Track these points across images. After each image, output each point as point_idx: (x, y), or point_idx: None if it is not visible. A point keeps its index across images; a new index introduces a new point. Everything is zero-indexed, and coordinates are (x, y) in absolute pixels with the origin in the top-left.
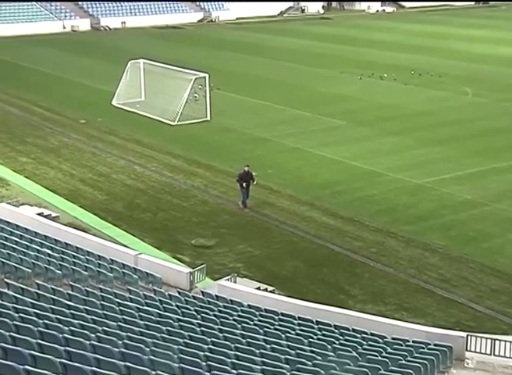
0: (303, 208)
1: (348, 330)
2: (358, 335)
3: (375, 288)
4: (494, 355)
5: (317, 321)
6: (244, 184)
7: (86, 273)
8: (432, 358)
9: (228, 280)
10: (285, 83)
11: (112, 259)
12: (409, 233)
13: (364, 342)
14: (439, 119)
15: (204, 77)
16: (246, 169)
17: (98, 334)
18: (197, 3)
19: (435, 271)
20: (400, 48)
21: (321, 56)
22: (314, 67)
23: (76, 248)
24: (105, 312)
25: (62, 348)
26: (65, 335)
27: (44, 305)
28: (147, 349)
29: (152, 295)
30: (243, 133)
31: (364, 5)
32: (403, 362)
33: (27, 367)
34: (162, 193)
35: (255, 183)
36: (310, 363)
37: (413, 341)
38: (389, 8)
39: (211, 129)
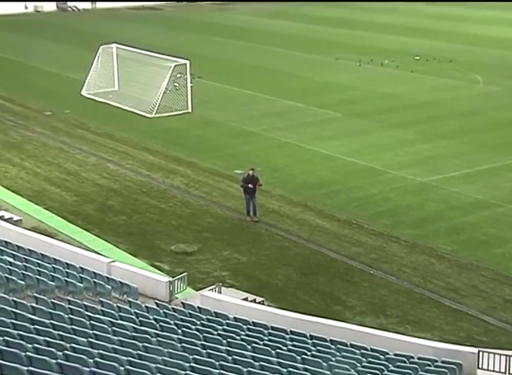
0: (295, 209)
1: (346, 345)
2: (357, 351)
3: (375, 299)
4: (509, 373)
5: (311, 335)
6: (250, 185)
7: (52, 283)
8: None
9: (212, 290)
10: (275, 70)
11: (82, 268)
12: (413, 237)
13: (364, 359)
14: (446, 110)
15: (185, 64)
16: (250, 173)
17: (66, 352)
18: None
19: (442, 279)
20: (404, 31)
21: (315, 41)
22: (307, 53)
23: (42, 255)
24: (74, 326)
25: (25, 368)
26: (29, 353)
27: (5, 319)
28: (122, 368)
29: (127, 308)
30: (229, 127)
31: None
32: None
33: None
34: (138, 193)
35: (261, 186)
36: None
37: (418, 358)
38: None
39: (193, 122)
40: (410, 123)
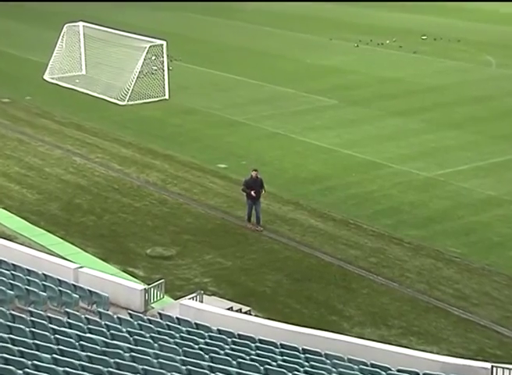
0: (285, 208)
1: (343, 360)
2: (355, 366)
3: (375, 307)
4: None
5: (303, 349)
6: (253, 192)
7: (11, 292)
8: None
9: (192, 298)
10: (262, 52)
11: (45, 275)
12: (417, 238)
13: None
14: (454, 95)
15: (161, 45)
16: (253, 174)
17: (27, 370)
18: None
19: (450, 286)
20: (406, 7)
21: (307, 18)
22: (298, 32)
23: None
24: (37, 341)
25: None
26: None
27: None
28: None
29: (97, 319)
30: (210, 116)
31: None
32: None
33: None
34: (109, 191)
35: (264, 192)
36: None
37: (423, 374)
38: None
39: (170, 110)
40: (414, 110)
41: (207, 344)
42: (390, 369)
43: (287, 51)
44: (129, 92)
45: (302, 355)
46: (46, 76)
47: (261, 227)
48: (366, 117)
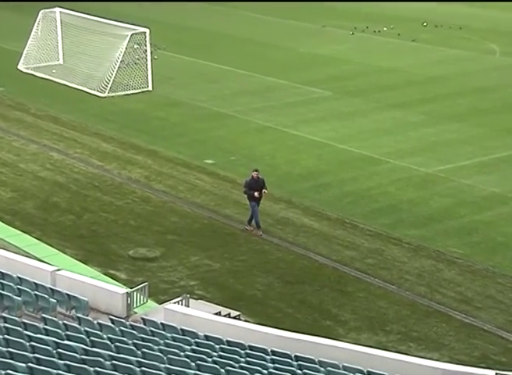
0: (277, 206)
1: (338, 367)
2: (351, 374)
3: (372, 312)
4: None
5: (296, 356)
6: (256, 194)
7: None
8: None
9: (178, 302)
10: (252, 40)
11: (20, 278)
12: (417, 238)
13: None
14: (456, 86)
15: (144, 33)
16: (254, 174)
17: None
18: None
19: (451, 289)
20: None
21: (298, 5)
22: (290, 19)
23: None
24: (11, 349)
25: None
26: None
27: None
28: None
29: (76, 325)
30: (197, 108)
31: None
32: None
33: None
34: (89, 188)
35: (266, 192)
36: None
37: None
38: None
39: (154, 102)
40: (414, 102)
41: (193, 351)
42: None
43: (278, 40)
44: (110, 83)
45: (295, 363)
46: (20, 66)
47: (261, 232)
48: (362, 109)
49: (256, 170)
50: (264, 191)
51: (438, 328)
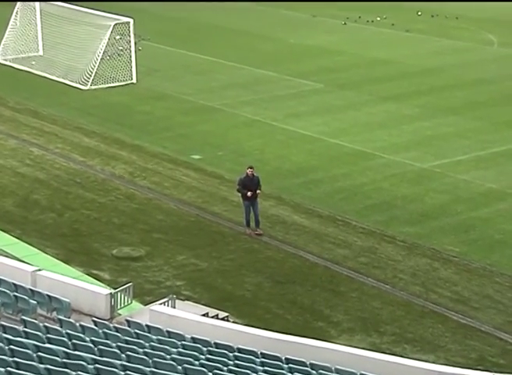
0: (266, 203)
1: (330, 370)
2: None
3: (365, 312)
4: None
5: (287, 359)
6: (249, 193)
7: None
8: None
9: (164, 304)
10: (240, 31)
11: None
12: (411, 236)
13: None
14: (452, 78)
15: (128, 23)
16: (249, 171)
17: None
18: None
19: (447, 288)
20: None
21: None
22: (279, 8)
23: None
24: None
25: None
26: None
27: None
28: None
29: (57, 328)
30: (183, 101)
31: None
32: None
33: None
34: (71, 185)
35: (259, 192)
36: None
37: None
38: None
39: (138, 95)
40: (408, 95)
41: (180, 354)
42: None
43: (267, 30)
44: (93, 75)
45: (285, 366)
46: None
47: (261, 230)
48: (355, 102)
49: (251, 167)
50: (258, 191)
51: (433, 329)
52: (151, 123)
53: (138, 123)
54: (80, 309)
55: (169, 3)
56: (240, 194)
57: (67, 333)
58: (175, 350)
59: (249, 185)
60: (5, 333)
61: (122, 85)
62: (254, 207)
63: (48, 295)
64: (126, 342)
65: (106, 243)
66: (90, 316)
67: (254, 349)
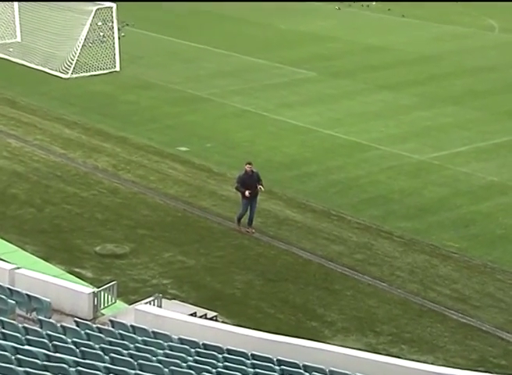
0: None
1: (324, 372)
2: None
3: (361, 312)
4: None
5: (279, 360)
6: (247, 193)
7: None
8: None
9: (149, 303)
10: (229, 17)
11: None
12: (409, 231)
13: None
14: (451, 66)
15: (110, 8)
16: (248, 168)
17: None
18: None
19: (447, 286)
20: None
21: None
22: None
23: None
24: None
25: None
26: None
27: None
28: None
29: (37, 329)
30: (169, 91)
31: None
32: None
33: None
34: (51, 178)
35: (263, 189)
36: None
37: None
38: None
39: (122, 84)
40: (406, 83)
41: (166, 355)
42: None
43: (257, 15)
44: (74, 63)
45: (277, 367)
46: None
47: (253, 230)
48: (349, 92)
49: (249, 163)
50: (260, 187)
51: (432, 329)
52: (135, 113)
53: (122, 113)
54: (61, 309)
55: None
56: (239, 193)
57: (48, 334)
58: (161, 351)
59: (248, 182)
60: None
61: (105, 73)
62: (252, 206)
63: (27, 295)
64: (110, 343)
65: (89, 239)
66: (72, 316)
67: (245, 350)
